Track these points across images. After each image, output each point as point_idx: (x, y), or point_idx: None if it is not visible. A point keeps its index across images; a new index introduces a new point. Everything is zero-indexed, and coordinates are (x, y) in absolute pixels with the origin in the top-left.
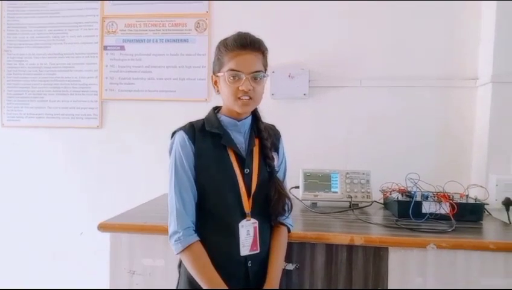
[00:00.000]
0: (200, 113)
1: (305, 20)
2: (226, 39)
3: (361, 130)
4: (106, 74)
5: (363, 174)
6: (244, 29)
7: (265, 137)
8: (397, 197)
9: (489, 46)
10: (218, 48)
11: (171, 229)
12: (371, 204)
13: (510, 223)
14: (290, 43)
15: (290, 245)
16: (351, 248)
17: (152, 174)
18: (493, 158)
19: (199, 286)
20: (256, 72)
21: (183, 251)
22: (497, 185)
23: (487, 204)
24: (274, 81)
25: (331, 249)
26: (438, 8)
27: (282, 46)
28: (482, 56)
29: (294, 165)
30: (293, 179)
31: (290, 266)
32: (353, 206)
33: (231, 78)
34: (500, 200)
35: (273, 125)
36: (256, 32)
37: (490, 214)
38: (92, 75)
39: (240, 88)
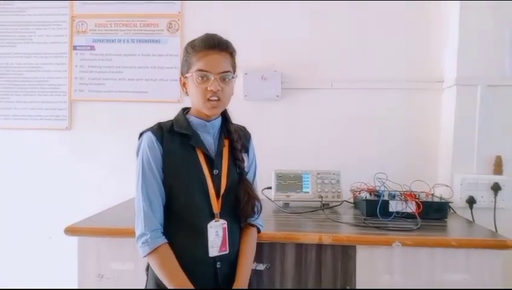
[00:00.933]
0: (172, 114)
1: (277, 23)
2: (193, 40)
3: (331, 131)
4: (76, 74)
5: (334, 174)
6: (216, 30)
7: (235, 139)
8: (365, 197)
9: (454, 50)
10: (186, 49)
11: (138, 232)
12: (341, 203)
13: (473, 220)
14: (262, 45)
15: (260, 245)
16: (320, 247)
17: (122, 176)
18: (458, 158)
19: (166, 288)
20: (225, 72)
21: (150, 253)
22: (461, 184)
23: (451, 202)
24: (247, 82)
25: (300, 248)
26: (405, 11)
27: (255, 47)
28: (447, 59)
29: (267, 166)
30: (265, 180)
31: (261, 266)
32: (324, 206)
33: (199, 78)
34: (464, 199)
35: (243, 127)
36: (229, 34)
37: (455, 212)
38: (61, 75)
39: (209, 88)
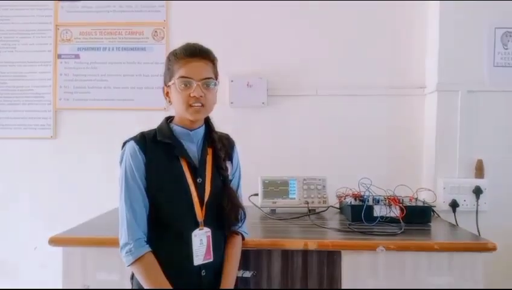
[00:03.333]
0: (158, 121)
1: (262, 30)
2: (174, 50)
3: (317, 137)
4: (60, 82)
5: (320, 180)
6: (202, 37)
7: (218, 147)
8: (350, 202)
9: (434, 56)
10: (168, 58)
11: (122, 241)
12: (327, 209)
13: (457, 224)
14: (247, 52)
15: (246, 253)
16: (305, 253)
17: (107, 185)
18: (440, 163)
19: None
20: (207, 78)
21: (134, 262)
22: (444, 188)
23: (435, 206)
24: (233, 90)
25: (286, 255)
26: (388, 18)
27: (240, 55)
28: (429, 65)
29: (253, 172)
30: (252, 187)
31: (247, 274)
32: (310, 211)
33: (182, 85)
34: (447, 202)
35: (227, 135)
36: (214, 42)
37: (439, 215)
38: (45, 84)
39: (192, 95)
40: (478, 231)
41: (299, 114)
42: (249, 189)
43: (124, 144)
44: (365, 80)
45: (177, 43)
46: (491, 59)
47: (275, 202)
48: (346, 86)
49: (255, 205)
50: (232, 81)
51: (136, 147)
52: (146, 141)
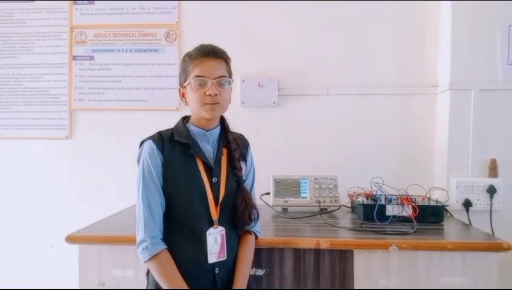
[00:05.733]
0: (171, 122)
1: (273, 30)
2: (189, 51)
3: (328, 136)
4: (75, 83)
5: (331, 179)
6: (213, 38)
7: (233, 148)
8: (362, 201)
9: (447, 54)
10: (183, 59)
11: (138, 238)
12: (338, 208)
13: (470, 223)
14: (259, 53)
15: (259, 251)
16: (318, 252)
17: (122, 184)
18: (453, 162)
19: None
20: (221, 77)
21: (150, 259)
22: (457, 187)
23: (447, 206)
24: (244, 90)
25: (298, 253)
26: (399, 17)
27: (252, 55)
28: (441, 64)
29: (265, 171)
30: (263, 186)
31: (260, 272)
32: (322, 210)
33: (197, 84)
34: (460, 202)
35: (241, 135)
36: (226, 42)
37: (452, 215)
38: (60, 85)
39: (207, 93)
40: (492, 230)
41: (311, 113)
42: (260, 188)
43: (142, 143)
44: (377, 79)
45: (189, 44)
46: (504, 57)
47: (287, 201)
48: (357, 86)
49: (266, 203)
50: (243, 81)
51: (154, 146)
52: (163, 141)
